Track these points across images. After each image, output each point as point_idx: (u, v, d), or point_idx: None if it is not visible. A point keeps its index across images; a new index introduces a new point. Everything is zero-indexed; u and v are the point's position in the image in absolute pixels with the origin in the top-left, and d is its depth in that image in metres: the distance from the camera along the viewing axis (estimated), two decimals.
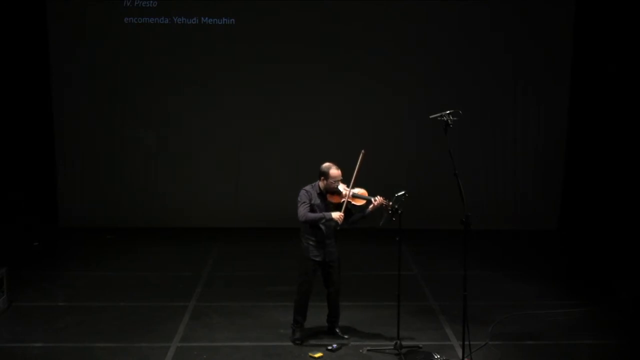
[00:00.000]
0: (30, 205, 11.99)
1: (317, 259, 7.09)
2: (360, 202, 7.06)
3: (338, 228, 7.05)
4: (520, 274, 9.61)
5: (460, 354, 6.79)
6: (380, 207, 6.95)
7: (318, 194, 7.09)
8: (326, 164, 7.09)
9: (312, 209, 7.03)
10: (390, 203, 6.89)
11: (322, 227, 7.02)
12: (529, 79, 12.13)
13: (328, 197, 7.07)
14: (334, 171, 7.03)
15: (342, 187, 7.05)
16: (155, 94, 12.05)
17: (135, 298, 8.58)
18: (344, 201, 7.00)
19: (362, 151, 7.01)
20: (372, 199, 6.97)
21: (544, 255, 10.91)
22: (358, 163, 6.99)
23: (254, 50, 11.97)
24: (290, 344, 7.21)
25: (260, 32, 11.96)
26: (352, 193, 7.01)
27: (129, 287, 9.02)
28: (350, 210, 7.10)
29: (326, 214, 6.98)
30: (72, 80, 11.93)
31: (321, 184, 7.09)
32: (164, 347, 7.12)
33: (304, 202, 7.03)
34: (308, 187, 7.13)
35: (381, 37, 12.01)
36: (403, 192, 6.84)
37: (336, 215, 6.95)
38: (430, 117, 6.71)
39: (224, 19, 11.96)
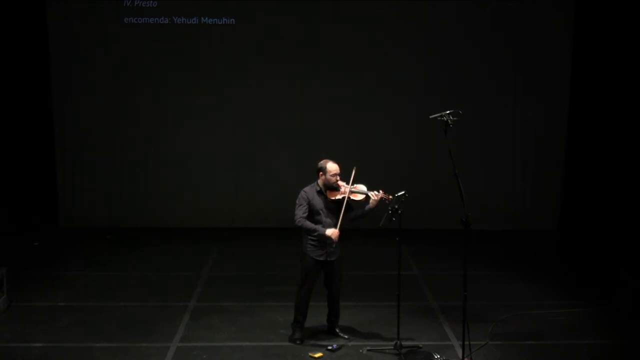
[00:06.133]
0: (30, 205, 11.98)
1: (319, 259, 7.08)
2: (359, 197, 7.06)
3: (334, 246, 7.02)
4: (520, 274, 9.61)
5: (460, 354, 6.79)
6: (381, 201, 6.95)
7: (317, 192, 7.09)
8: (322, 160, 7.11)
9: (310, 209, 7.03)
10: (391, 197, 6.90)
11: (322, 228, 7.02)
12: (529, 78, 12.12)
13: (328, 194, 7.07)
14: (331, 165, 7.04)
15: (341, 183, 7.06)
16: (155, 93, 12.05)
17: (135, 298, 8.59)
18: (343, 197, 7.01)
19: (355, 168, 6.99)
20: (372, 194, 6.98)
21: (544, 255, 10.92)
22: (351, 178, 7.00)
23: (254, 50, 11.97)
24: (290, 344, 7.20)
25: (260, 32, 11.96)
26: (350, 188, 7.01)
27: (129, 287, 9.03)
28: (350, 206, 7.11)
29: (320, 228, 6.97)
30: (72, 80, 11.93)
31: (320, 180, 7.09)
32: (164, 347, 7.12)
33: (301, 205, 7.03)
34: (307, 188, 7.14)
35: (381, 37, 12.01)
36: (403, 192, 6.85)
37: (330, 232, 6.94)
38: (430, 117, 6.71)
39: (224, 19, 11.96)
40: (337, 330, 7.37)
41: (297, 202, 7.07)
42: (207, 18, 11.95)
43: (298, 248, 7.20)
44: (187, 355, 6.95)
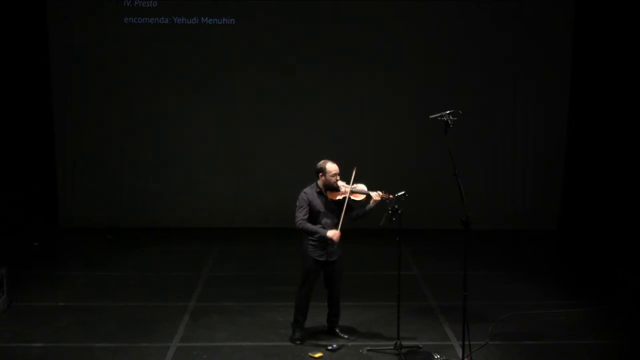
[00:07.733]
0: (30, 205, 11.98)
1: (320, 259, 7.08)
2: (360, 197, 7.06)
3: (335, 247, 7.00)
4: (520, 274, 9.61)
5: (460, 354, 6.79)
6: (381, 201, 6.95)
7: (318, 193, 7.09)
8: (322, 161, 7.10)
9: (311, 210, 7.03)
10: (391, 196, 6.90)
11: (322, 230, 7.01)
12: (529, 79, 12.12)
13: (328, 195, 7.07)
14: (331, 165, 7.04)
15: (341, 183, 7.05)
16: (155, 93, 12.04)
17: (135, 298, 8.59)
18: (344, 197, 7.00)
19: (355, 168, 7.00)
20: (373, 194, 6.98)
21: (544, 255, 10.93)
22: (352, 179, 7.00)
23: (254, 50, 11.97)
24: (290, 344, 7.21)
25: (260, 32, 11.97)
26: (351, 189, 7.01)
27: (129, 287, 9.03)
28: (351, 206, 7.10)
29: (321, 230, 6.96)
30: (72, 80, 11.93)
31: (320, 181, 7.09)
32: (164, 347, 7.12)
33: (301, 207, 7.02)
34: (307, 189, 7.13)
35: (381, 37, 12.01)
36: (403, 192, 6.85)
37: (331, 233, 6.92)
38: (430, 117, 6.71)
39: (224, 19, 11.96)
40: (337, 330, 7.37)
41: (297, 204, 7.05)
42: (207, 18, 11.95)
43: (298, 248, 7.19)
44: (187, 355, 6.95)
